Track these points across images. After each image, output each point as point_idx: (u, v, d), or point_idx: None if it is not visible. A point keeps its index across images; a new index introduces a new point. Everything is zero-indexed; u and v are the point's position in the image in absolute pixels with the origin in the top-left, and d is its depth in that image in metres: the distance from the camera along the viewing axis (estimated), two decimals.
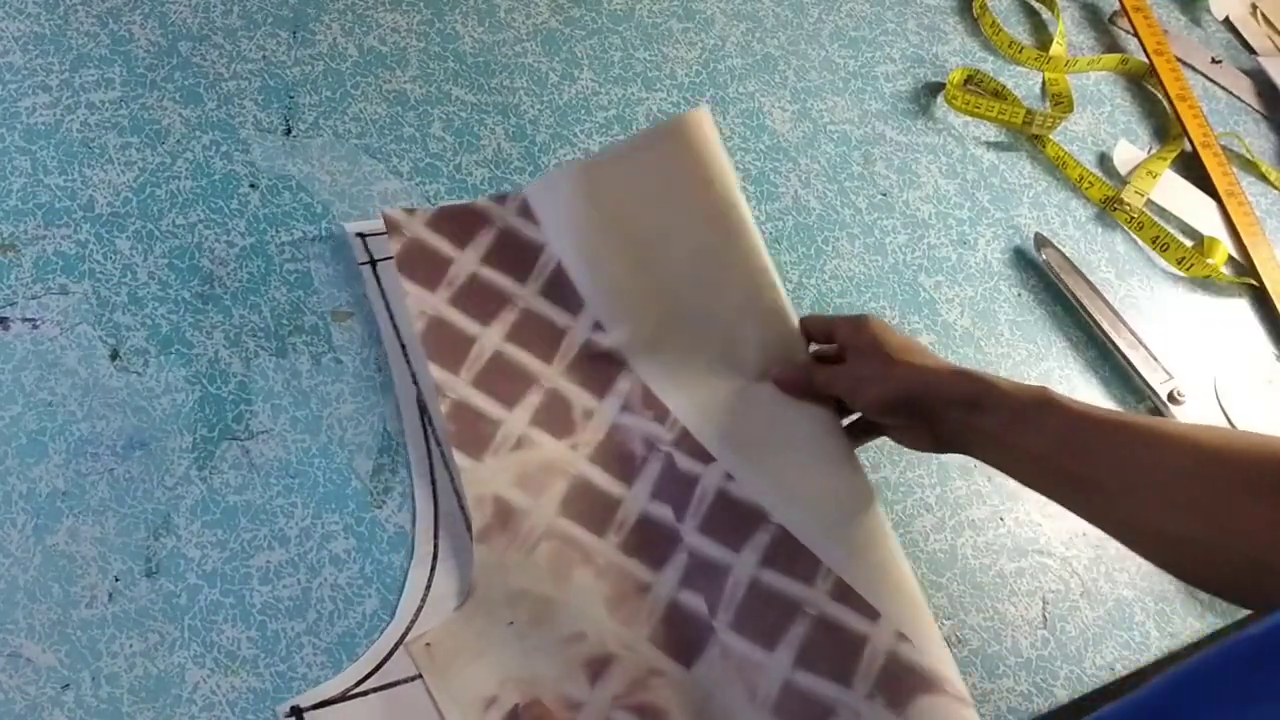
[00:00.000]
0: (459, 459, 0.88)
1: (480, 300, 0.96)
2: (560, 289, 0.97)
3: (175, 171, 1.11)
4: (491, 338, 0.94)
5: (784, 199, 1.42)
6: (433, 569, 0.86)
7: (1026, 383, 0.85)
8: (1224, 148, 1.76)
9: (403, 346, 0.97)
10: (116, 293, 1.00)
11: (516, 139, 1.29)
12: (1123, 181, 1.66)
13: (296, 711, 0.79)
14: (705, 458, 0.90)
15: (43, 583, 0.86)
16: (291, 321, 1.03)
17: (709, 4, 1.55)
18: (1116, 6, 1.90)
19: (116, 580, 0.88)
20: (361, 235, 1.05)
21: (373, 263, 1.04)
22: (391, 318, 0.99)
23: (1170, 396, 1.42)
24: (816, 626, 0.81)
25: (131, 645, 0.85)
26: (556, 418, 0.92)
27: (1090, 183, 1.61)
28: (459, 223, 1.00)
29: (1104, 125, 1.76)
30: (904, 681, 0.77)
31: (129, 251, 1.03)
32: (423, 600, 0.85)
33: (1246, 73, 1.93)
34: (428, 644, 0.81)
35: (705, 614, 0.83)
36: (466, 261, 0.97)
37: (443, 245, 0.98)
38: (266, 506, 0.93)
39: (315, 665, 0.86)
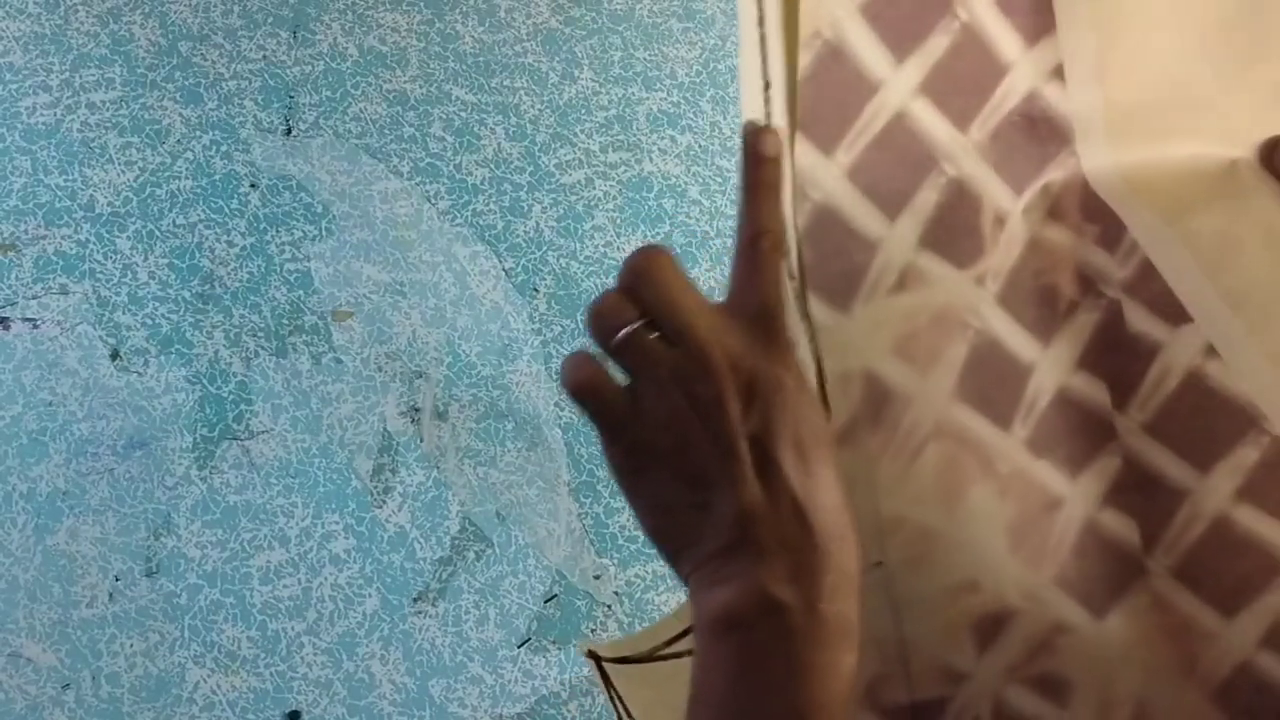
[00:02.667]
0: (818, 307, 0.57)
1: (902, 7, 0.58)
2: None
3: (175, 171, 1.11)
4: (901, 83, 0.58)
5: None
6: None
7: None
8: None
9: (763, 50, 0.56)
10: (116, 293, 1.00)
11: (516, 139, 1.29)
12: None
13: (595, 657, 0.62)
14: (1175, 315, 0.59)
15: (43, 582, 0.86)
16: (291, 321, 1.04)
17: (709, 4, 1.55)
18: None
19: (117, 580, 0.88)
20: None
21: None
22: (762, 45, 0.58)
23: None
24: None
25: (132, 645, 0.86)
26: (958, 227, 0.59)
27: None
28: None
29: None
30: None
31: (129, 251, 1.04)
32: None
33: None
34: None
35: (1136, 547, 0.60)
36: None
37: None
38: (266, 506, 0.94)
39: (315, 665, 0.86)
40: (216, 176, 1.15)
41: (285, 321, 1.05)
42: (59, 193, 1.07)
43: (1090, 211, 0.61)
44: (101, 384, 0.96)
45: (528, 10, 1.44)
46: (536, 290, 1.30)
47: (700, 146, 1.42)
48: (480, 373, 1.23)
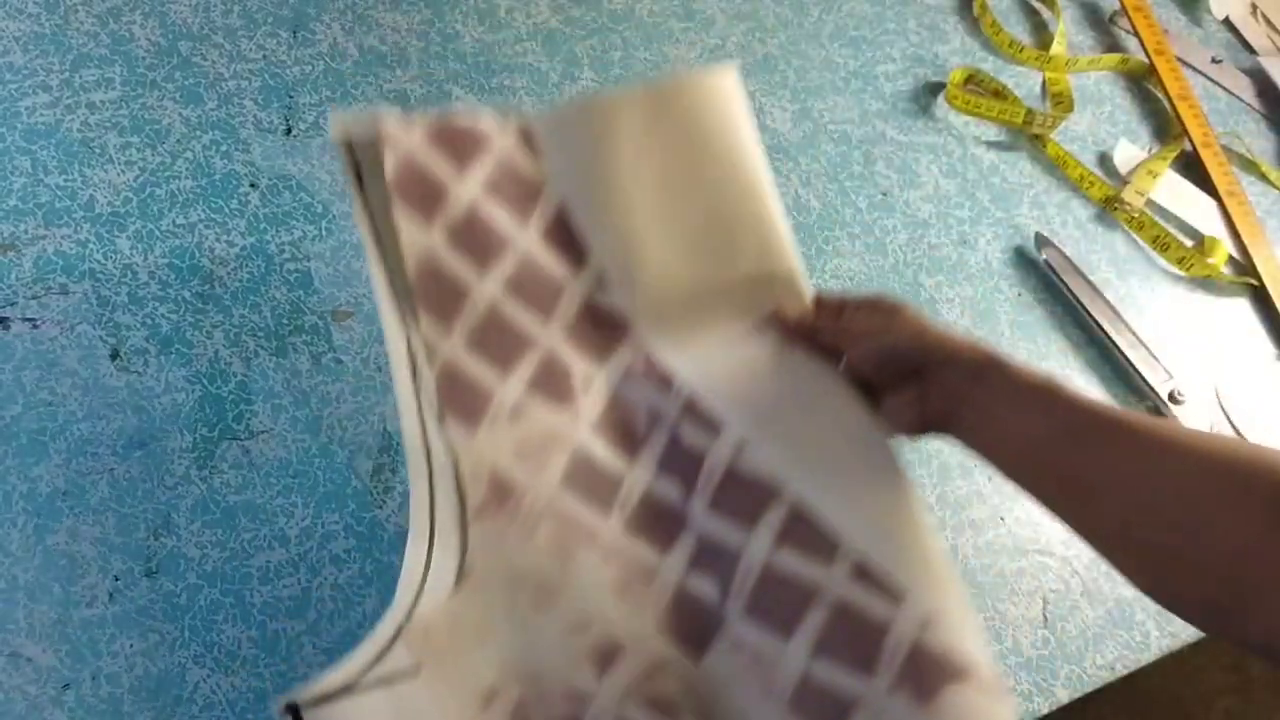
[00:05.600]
0: (453, 429, 0.79)
1: (479, 240, 0.82)
2: (562, 235, 0.86)
3: (175, 171, 1.11)
4: (489, 288, 0.82)
5: (784, 198, 1.42)
6: (430, 545, 0.77)
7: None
8: (1224, 147, 1.76)
9: (390, 282, 0.81)
10: (116, 292, 1.00)
11: None
12: (1123, 181, 1.66)
13: (293, 709, 0.71)
14: (714, 428, 0.82)
15: (43, 582, 0.86)
16: (291, 321, 1.03)
17: (709, 4, 1.55)
18: (1117, 6, 1.90)
19: (116, 580, 0.88)
20: (350, 145, 0.82)
21: (360, 178, 0.82)
22: (380, 244, 0.81)
23: (1171, 396, 1.42)
24: (836, 611, 0.74)
25: (131, 645, 0.85)
26: (555, 385, 0.83)
27: (1091, 182, 1.62)
28: (459, 142, 0.84)
29: (1104, 125, 1.75)
30: (930, 671, 0.71)
31: (129, 251, 1.03)
32: (423, 580, 0.76)
33: (1246, 72, 1.93)
34: (426, 629, 0.75)
35: (715, 601, 0.78)
36: (467, 189, 0.82)
37: (441, 167, 0.82)
38: (266, 506, 0.93)
39: (315, 665, 0.86)
40: (216, 176, 1.15)
41: (285, 321, 1.06)
42: (59, 193, 1.07)
43: (652, 371, 0.86)
44: (101, 384, 0.96)
45: (528, 10, 1.44)
46: None
47: None
48: None
